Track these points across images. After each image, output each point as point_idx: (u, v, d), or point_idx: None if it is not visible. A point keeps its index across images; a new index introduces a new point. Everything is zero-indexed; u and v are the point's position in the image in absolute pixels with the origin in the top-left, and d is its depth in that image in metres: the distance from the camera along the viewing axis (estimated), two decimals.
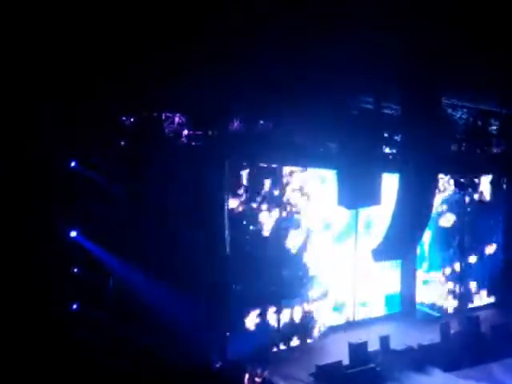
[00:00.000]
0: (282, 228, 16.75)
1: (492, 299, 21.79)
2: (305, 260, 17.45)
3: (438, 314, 20.39)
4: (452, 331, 17.95)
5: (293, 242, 17.07)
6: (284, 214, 16.74)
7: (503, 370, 16.24)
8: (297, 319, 17.29)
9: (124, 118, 13.49)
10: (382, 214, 16.20)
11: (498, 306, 21.44)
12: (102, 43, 10.34)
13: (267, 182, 16.06)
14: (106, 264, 13.72)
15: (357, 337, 16.74)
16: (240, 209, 15.88)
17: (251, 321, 16.35)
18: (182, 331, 13.77)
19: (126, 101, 12.78)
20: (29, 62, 10.75)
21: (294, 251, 17.11)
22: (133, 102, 12.94)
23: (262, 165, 15.73)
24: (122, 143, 13.61)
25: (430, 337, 17.55)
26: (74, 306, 13.55)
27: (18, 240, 12.83)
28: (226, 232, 15.10)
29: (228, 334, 15.44)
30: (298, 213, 17.07)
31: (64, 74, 11.12)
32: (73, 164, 13.46)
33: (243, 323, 16.20)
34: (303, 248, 17.33)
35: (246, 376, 14.45)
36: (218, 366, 14.54)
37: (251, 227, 16.20)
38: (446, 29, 9.69)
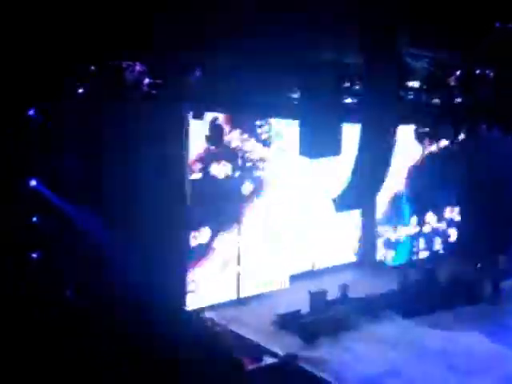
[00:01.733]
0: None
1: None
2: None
3: (397, 263, 20.68)
4: (409, 280, 18.26)
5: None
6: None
7: (455, 319, 16.63)
8: None
9: (83, 66, 13.30)
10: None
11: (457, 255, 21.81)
12: None
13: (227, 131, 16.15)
14: (65, 212, 13.66)
15: (317, 285, 16.97)
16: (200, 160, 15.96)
17: None
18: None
19: (85, 48, 12.58)
20: None
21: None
22: (91, 50, 12.75)
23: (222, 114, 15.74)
24: (81, 91, 13.43)
25: (388, 285, 17.84)
26: (35, 255, 13.50)
27: None
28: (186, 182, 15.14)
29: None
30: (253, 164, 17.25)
31: (25, 18, 10.92)
32: (31, 112, 13.27)
33: None
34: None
35: (208, 323, 14.61)
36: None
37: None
38: None
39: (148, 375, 11.63)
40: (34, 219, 13.49)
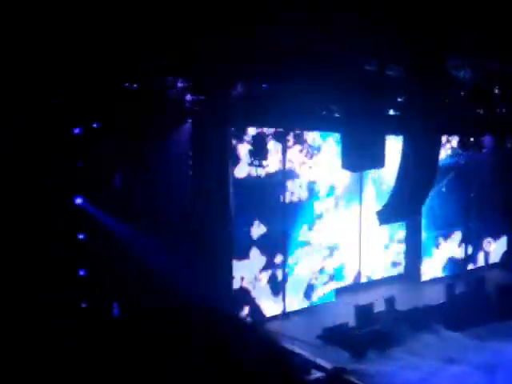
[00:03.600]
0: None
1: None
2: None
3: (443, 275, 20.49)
4: (457, 292, 18.06)
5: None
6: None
7: (503, 331, 16.37)
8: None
9: (127, 84, 13.44)
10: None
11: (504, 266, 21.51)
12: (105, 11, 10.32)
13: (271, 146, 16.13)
14: (111, 229, 13.75)
15: (362, 299, 16.88)
16: (244, 174, 15.99)
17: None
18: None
19: (128, 67, 12.72)
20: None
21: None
22: (135, 68, 12.88)
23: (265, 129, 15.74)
24: (125, 109, 13.57)
25: (435, 297, 17.67)
26: (82, 273, 13.62)
27: (22, 206, 12.89)
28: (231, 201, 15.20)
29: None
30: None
31: (68, 42, 11.11)
32: (77, 131, 13.42)
33: None
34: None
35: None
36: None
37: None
38: None
39: None
40: (81, 237, 13.61)
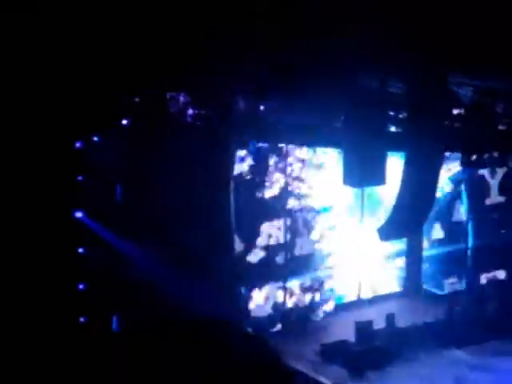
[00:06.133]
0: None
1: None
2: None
3: (444, 292, 20.37)
4: (458, 308, 17.96)
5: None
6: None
7: (505, 348, 16.29)
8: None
9: (127, 98, 13.46)
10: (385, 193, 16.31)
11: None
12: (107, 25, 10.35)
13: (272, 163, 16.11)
14: (111, 244, 13.73)
15: (362, 315, 16.81)
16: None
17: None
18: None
19: (129, 80, 12.75)
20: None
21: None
22: (136, 82, 12.90)
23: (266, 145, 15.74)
24: (125, 122, 13.57)
25: (435, 314, 17.59)
26: (81, 286, 13.58)
27: (23, 219, 12.88)
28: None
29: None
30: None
31: (69, 53, 11.14)
32: (78, 145, 13.42)
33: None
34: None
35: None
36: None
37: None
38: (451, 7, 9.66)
39: None
40: (80, 250, 13.59)
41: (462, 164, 15.98)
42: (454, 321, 17.40)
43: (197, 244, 14.39)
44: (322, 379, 14.22)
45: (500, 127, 15.03)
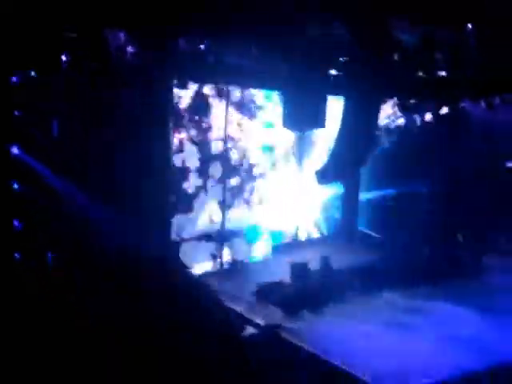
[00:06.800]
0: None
1: None
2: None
3: (379, 236, 20.67)
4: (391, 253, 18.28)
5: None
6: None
7: (436, 291, 16.65)
8: None
9: (66, 33, 13.17)
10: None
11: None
12: None
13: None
14: (48, 181, 13.55)
15: (298, 257, 16.99)
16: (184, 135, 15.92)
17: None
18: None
19: (69, 15, 12.46)
20: None
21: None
22: (75, 17, 12.62)
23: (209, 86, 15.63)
24: (64, 58, 13.30)
25: (371, 258, 17.88)
26: (16, 223, 13.42)
27: None
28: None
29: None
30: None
31: None
32: (14, 79, 13.12)
33: None
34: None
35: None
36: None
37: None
38: None
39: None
40: (15, 186, 13.38)
41: (399, 108, 16.14)
42: (388, 264, 17.71)
43: (134, 180, 14.30)
44: (258, 319, 14.36)
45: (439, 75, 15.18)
